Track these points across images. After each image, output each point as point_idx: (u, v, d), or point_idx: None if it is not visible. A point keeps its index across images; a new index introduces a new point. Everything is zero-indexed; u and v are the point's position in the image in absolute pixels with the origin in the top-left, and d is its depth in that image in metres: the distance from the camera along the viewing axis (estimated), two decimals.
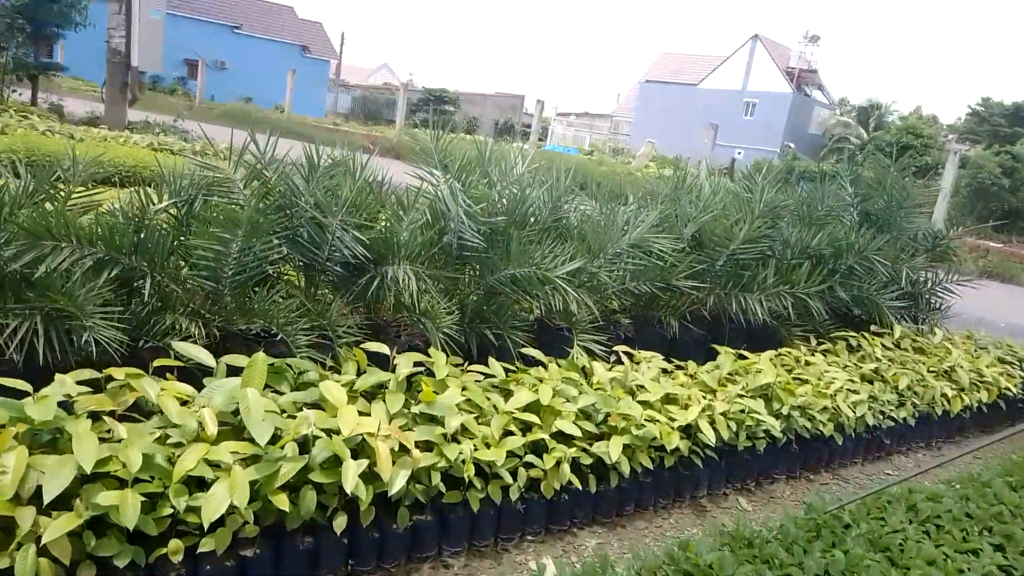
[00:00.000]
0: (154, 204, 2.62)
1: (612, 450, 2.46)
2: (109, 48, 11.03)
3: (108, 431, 1.88)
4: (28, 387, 1.85)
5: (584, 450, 2.48)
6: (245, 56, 41.96)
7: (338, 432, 2.04)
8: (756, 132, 38.88)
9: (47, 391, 1.85)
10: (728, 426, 2.79)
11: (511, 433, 2.38)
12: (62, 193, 2.62)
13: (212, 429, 1.88)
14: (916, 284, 4.57)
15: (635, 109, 46.78)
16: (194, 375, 2.29)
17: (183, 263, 2.68)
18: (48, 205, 2.57)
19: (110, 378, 2.06)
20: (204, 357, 2.28)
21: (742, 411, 2.90)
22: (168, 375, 2.24)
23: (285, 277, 3.00)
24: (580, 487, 2.44)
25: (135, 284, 2.57)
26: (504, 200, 3.28)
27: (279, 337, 2.61)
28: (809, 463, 3.27)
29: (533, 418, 2.45)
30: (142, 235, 2.53)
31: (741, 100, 40.59)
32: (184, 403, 2.09)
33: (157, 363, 2.19)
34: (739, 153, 35.04)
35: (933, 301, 4.73)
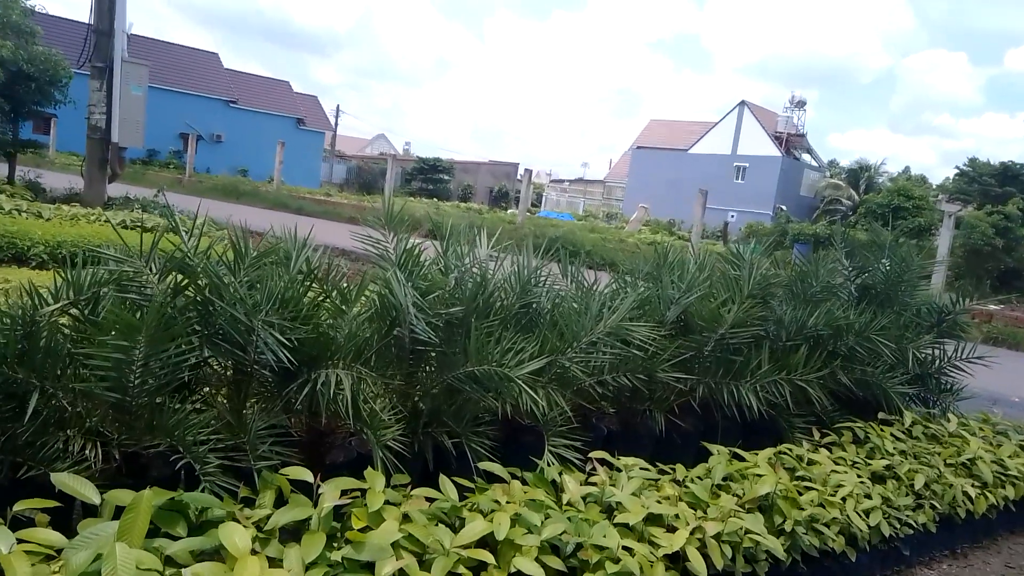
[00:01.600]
0: (48, 303, 2.27)
1: None
2: (89, 125, 10.93)
3: None
4: None
5: None
6: (241, 129, 42.65)
7: None
8: (748, 195, 39.18)
9: None
10: (723, 552, 2.38)
11: None
12: None
13: None
14: (924, 364, 4.20)
15: (628, 174, 47.33)
16: (93, 512, 1.91)
17: (83, 372, 2.31)
18: None
19: None
20: (88, 492, 1.88)
21: (739, 531, 2.49)
22: (39, 515, 1.85)
23: (208, 383, 2.63)
24: None
25: (24, 399, 2.20)
26: (464, 286, 2.94)
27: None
28: None
29: (487, 556, 2.04)
30: (31, 341, 2.18)
31: (731, 164, 41.08)
32: (50, 557, 1.70)
33: (19, 506, 1.80)
34: (732, 216, 35.17)
35: (943, 381, 4.35)
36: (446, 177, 49.84)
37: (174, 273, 2.47)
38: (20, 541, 1.70)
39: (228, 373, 2.62)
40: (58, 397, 2.22)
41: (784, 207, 35.94)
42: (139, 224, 8.37)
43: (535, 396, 2.50)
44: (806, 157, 43.75)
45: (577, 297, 3.32)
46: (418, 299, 2.58)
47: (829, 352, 3.71)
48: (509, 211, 33.81)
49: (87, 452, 2.21)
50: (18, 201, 8.79)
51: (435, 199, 40.67)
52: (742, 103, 41.43)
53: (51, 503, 1.86)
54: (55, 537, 1.75)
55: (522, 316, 3.17)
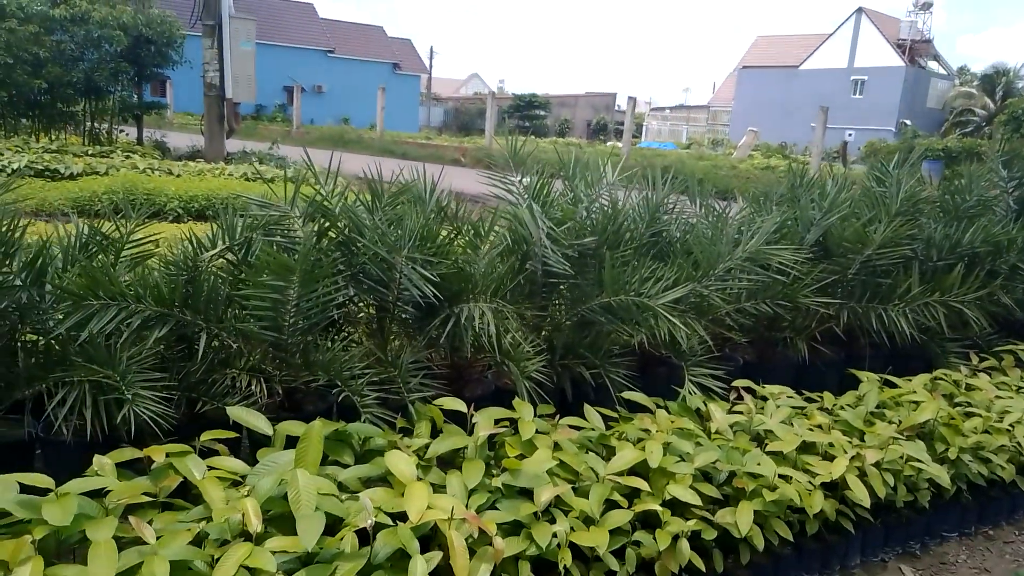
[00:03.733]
0: (206, 249, 2.39)
1: (741, 520, 2.01)
2: (204, 82, 11.35)
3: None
4: (49, 482, 1.62)
5: (706, 521, 2.04)
6: (340, 78, 43.33)
7: (405, 517, 1.70)
8: (867, 111, 36.49)
9: (70, 485, 1.61)
10: (884, 480, 2.28)
11: (615, 504, 1.98)
12: (114, 245, 2.43)
13: (256, 524, 1.58)
14: None
15: (734, 97, 45.02)
16: (263, 442, 2.04)
17: (242, 313, 2.44)
18: (100, 258, 2.39)
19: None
20: (261, 424, 2.00)
21: (900, 458, 2.37)
22: (220, 446, 1.99)
23: (355, 320, 2.72)
24: (703, 567, 2.00)
25: (192, 340, 2.35)
26: (593, 217, 2.88)
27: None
28: (986, 516, 2.68)
29: (640, 483, 2.03)
30: (195, 286, 2.31)
31: (848, 78, 38.22)
32: (237, 484, 1.82)
33: (205, 436, 1.93)
34: (850, 135, 32.97)
35: None
36: (543, 113, 49.09)
37: (317, 217, 2.54)
38: (210, 468, 1.83)
39: (370, 311, 2.70)
40: (221, 338, 2.36)
41: (909, 122, 33.30)
42: (259, 176, 8.71)
43: (678, 324, 2.43)
44: (933, 65, 40.11)
45: (708, 224, 3.20)
46: (552, 230, 2.54)
47: (987, 271, 3.43)
48: (609, 144, 33.04)
49: (252, 388, 2.35)
50: (149, 160, 9.35)
51: (532, 136, 40.19)
52: (859, 10, 38.22)
53: (231, 434, 1.99)
54: (239, 465, 1.88)
55: (651, 246, 3.08)
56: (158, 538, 1.56)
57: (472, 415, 2.12)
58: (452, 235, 2.73)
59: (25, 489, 1.61)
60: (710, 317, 2.99)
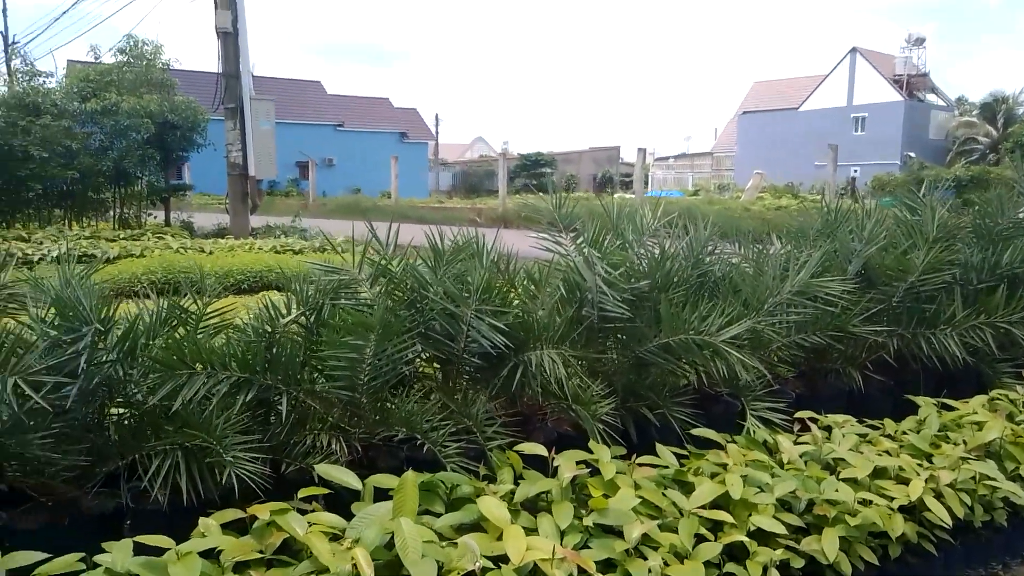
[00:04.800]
0: (283, 315, 2.49)
1: (827, 546, 2.04)
2: (228, 162, 11.74)
3: None
4: (170, 543, 1.69)
5: (791, 550, 2.07)
6: (349, 150, 44.42)
7: (506, 559, 1.75)
8: (869, 147, 36.86)
9: (189, 545, 1.68)
10: (960, 499, 2.30)
11: (701, 538, 2.01)
12: (192, 317, 2.54)
13: (368, 573, 1.64)
14: None
15: (736, 142, 45.67)
16: (340, 497, 2.09)
17: (316, 374, 2.53)
18: (181, 330, 2.50)
19: (255, 517, 1.88)
20: (349, 480, 2.07)
21: (972, 478, 2.39)
22: (314, 503, 2.05)
23: (420, 375, 2.81)
24: None
25: (272, 403, 2.43)
26: (642, 261, 2.98)
27: (422, 443, 2.39)
28: None
29: (724, 516, 2.07)
30: (274, 350, 2.41)
31: (848, 116, 38.75)
32: (335, 537, 1.88)
33: (302, 493, 2.00)
34: (855, 171, 33.24)
35: None
36: (548, 170, 49.96)
37: (382, 279, 2.65)
38: (309, 524, 1.89)
39: (434, 365, 2.78)
40: (299, 399, 2.44)
41: (913, 154, 33.60)
42: (288, 248, 8.92)
43: (742, 359, 2.50)
44: (931, 98, 40.68)
45: (750, 262, 3.29)
46: (611, 275, 2.63)
47: None
48: (616, 196, 33.41)
49: (332, 446, 2.42)
50: (181, 240, 9.61)
51: (539, 192, 40.78)
52: (853, 50, 39.04)
53: (323, 491, 2.05)
54: (336, 519, 1.94)
55: (699, 287, 3.17)
56: None
57: (552, 458, 2.18)
58: (507, 287, 2.83)
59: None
60: (763, 352, 3.05)
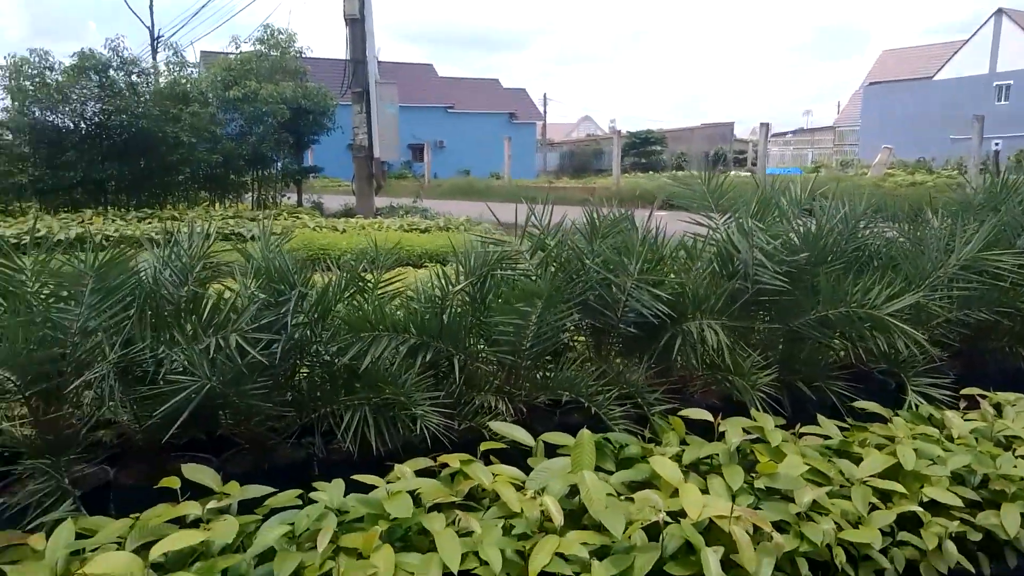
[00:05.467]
0: (452, 285, 2.66)
1: (1007, 522, 2.00)
2: (354, 145, 12.26)
3: (451, 523, 1.84)
4: (380, 482, 1.87)
5: (967, 523, 2.04)
6: (459, 132, 45.13)
7: (682, 515, 1.83)
8: (1015, 117, 33.88)
9: (399, 486, 1.86)
10: None
11: (873, 506, 2.02)
12: (369, 284, 2.76)
13: (559, 519, 1.77)
14: None
15: (861, 115, 43.11)
16: (508, 455, 2.24)
17: (481, 340, 2.69)
18: (359, 297, 2.72)
19: (443, 465, 2.05)
20: (522, 436, 2.21)
21: None
22: (492, 457, 2.20)
23: (572, 344, 2.92)
24: (972, 569, 2.00)
25: (442, 366, 2.61)
26: (796, 235, 2.96)
27: (574, 406, 2.51)
28: None
29: (896, 486, 2.07)
30: (446, 317, 2.58)
31: (990, 85, 35.73)
32: (517, 488, 2.02)
33: (484, 446, 2.15)
34: (997, 144, 30.73)
35: None
36: (658, 148, 48.97)
37: (542, 251, 2.77)
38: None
39: (589, 335, 2.88)
40: (467, 362, 2.61)
41: None
42: (414, 227, 9.27)
43: (910, 332, 2.46)
44: None
45: (908, 235, 3.19)
46: (774, 246, 2.64)
47: None
48: (731, 173, 32.39)
49: (498, 406, 2.57)
50: (316, 219, 10.18)
51: (650, 172, 40.13)
52: (999, 11, 35.91)
53: (501, 445, 2.20)
54: (516, 471, 2.08)
55: (853, 261, 3.11)
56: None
57: (718, 424, 2.24)
58: (657, 260, 2.89)
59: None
60: (921, 329, 2.96)
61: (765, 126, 14.64)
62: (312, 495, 1.90)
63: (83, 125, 11.25)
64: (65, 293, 2.23)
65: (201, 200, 12.62)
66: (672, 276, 2.79)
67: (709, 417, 2.25)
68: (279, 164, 12.90)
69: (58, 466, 1.97)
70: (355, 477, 1.92)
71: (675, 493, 1.92)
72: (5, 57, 11.24)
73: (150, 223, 9.49)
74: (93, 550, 1.69)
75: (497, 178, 27.06)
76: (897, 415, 2.51)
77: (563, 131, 76.09)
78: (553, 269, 2.74)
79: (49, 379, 2.15)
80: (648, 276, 2.48)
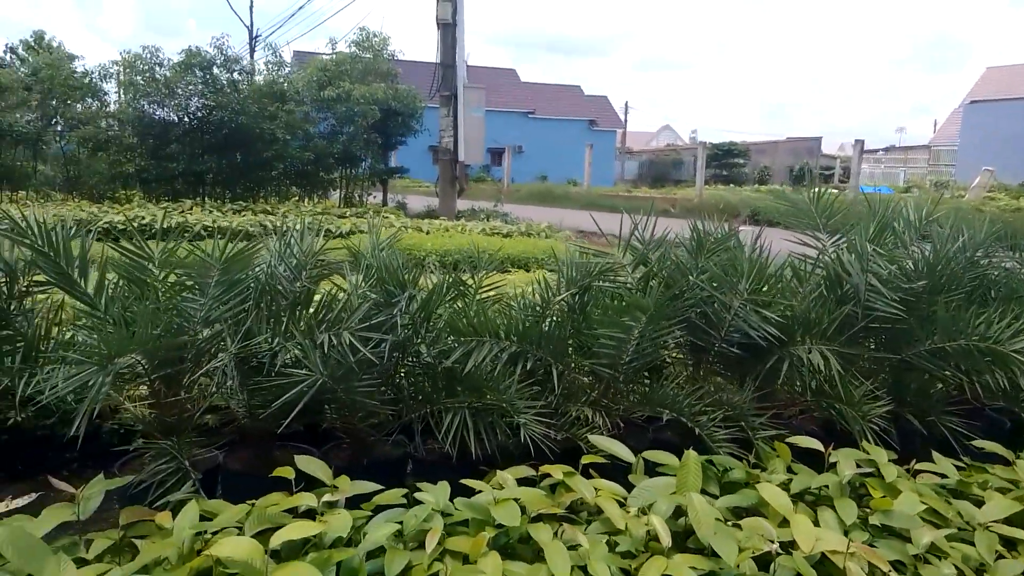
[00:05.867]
0: (553, 294, 2.66)
1: None
2: (440, 147, 12.46)
3: (555, 535, 1.83)
4: (484, 486, 1.89)
5: None
6: (538, 138, 45.18)
7: (792, 546, 1.78)
8: None
9: (505, 493, 1.87)
10: None
11: (999, 555, 1.91)
12: (470, 289, 2.78)
13: (666, 540, 1.74)
14: None
15: (960, 135, 41.07)
16: (604, 469, 2.22)
17: (578, 352, 2.68)
18: (459, 302, 2.75)
19: (543, 475, 2.05)
20: (622, 452, 2.19)
21: None
22: (591, 471, 2.19)
23: (669, 362, 2.88)
24: None
25: (539, 375, 2.61)
26: (912, 261, 2.83)
27: (666, 424, 2.46)
28: None
29: (1020, 533, 1.95)
30: (546, 326, 2.58)
31: None
32: (619, 504, 2.00)
33: (586, 459, 2.14)
34: None
35: None
36: (741, 161, 47.91)
37: (645, 265, 2.74)
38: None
39: (687, 353, 2.84)
40: (564, 373, 2.60)
41: None
42: (496, 232, 9.33)
43: None
44: None
45: None
46: (889, 271, 2.54)
47: None
48: (815, 190, 31.37)
49: (595, 419, 2.56)
50: (401, 219, 10.39)
51: (731, 184, 39.29)
52: None
53: (599, 459, 2.19)
54: (617, 487, 2.05)
55: (972, 291, 2.96)
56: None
57: (829, 454, 2.16)
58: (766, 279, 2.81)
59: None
60: None
61: (859, 143, 14.12)
62: (416, 495, 1.93)
63: (186, 119, 11.82)
64: (190, 283, 2.34)
65: (291, 195, 13.07)
66: (778, 297, 2.72)
67: (818, 446, 2.17)
68: (367, 163, 13.24)
69: (180, 448, 2.06)
70: (448, 480, 1.94)
71: (783, 523, 1.87)
72: (121, 53, 11.94)
73: (244, 215, 9.87)
74: (214, 532, 1.76)
75: (574, 184, 26.98)
76: (1021, 458, 2.37)
77: (642, 140, 75.35)
78: (655, 283, 2.71)
79: (172, 364, 2.26)
80: (758, 296, 2.42)
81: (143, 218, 8.63)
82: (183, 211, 9.99)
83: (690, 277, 2.60)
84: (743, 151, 47.99)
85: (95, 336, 2.04)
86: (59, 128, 12.25)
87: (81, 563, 1.64)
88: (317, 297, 2.46)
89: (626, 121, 56.39)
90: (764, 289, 2.49)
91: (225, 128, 11.51)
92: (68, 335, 2.37)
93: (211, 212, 10.22)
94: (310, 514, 1.83)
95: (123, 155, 11.66)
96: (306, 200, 12.96)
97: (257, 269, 2.46)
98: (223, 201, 11.74)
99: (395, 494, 1.95)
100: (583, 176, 25.40)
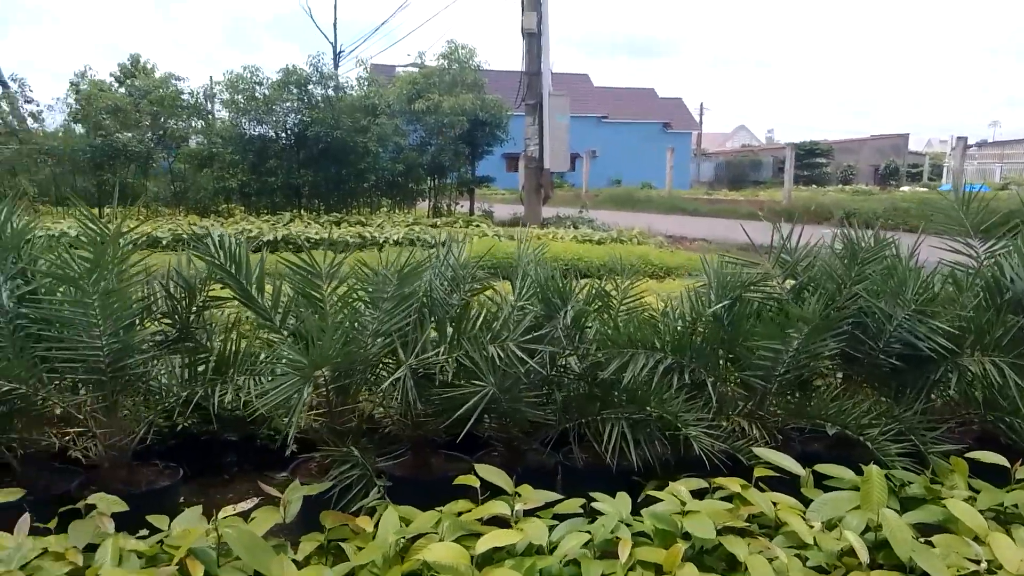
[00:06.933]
0: (704, 306, 2.67)
1: None
2: (525, 155, 12.56)
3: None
4: (668, 496, 1.90)
5: None
6: (611, 142, 44.84)
7: (994, 565, 1.73)
8: None
9: (693, 505, 1.89)
10: None
11: None
12: (614, 300, 2.81)
13: (864, 556, 1.72)
14: None
15: None
16: (767, 482, 2.20)
17: (730, 362, 2.67)
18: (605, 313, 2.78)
19: (711, 488, 2.06)
20: (789, 464, 2.17)
21: None
22: (761, 484, 2.18)
23: (821, 372, 2.83)
24: None
25: (687, 386, 2.62)
26: None
27: (813, 435, 2.43)
28: None
29: None
30: (699, 338, 2.59)
31: None
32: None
33: (758, 472, 2.14)
34: None
35: None
36: (823, 160, 46.40)
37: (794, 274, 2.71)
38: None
39: (840, 364, 2.78)
40: (718, 385, 2.59)
41: None
42: (588, 239, 9.35)
43: None
44: None
45: None
46: None
47: None
48: (904, 189, 30.22)
49: (753, 431, 2.54)
50: (493, 228, 10.53)
51: (813, 185, 38.10)
52: None
53: (771, 473, 2.17)
54: (793, 500, 2.04)
55: None
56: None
57: (1016, 470, 2.09)
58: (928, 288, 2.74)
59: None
60: None
61: (962, 140, 13.52)
62: (594, 505, 1.97)
63: (284, 135, 12.33)
64: (360, 295, 2.46)
65: (381, 206, 13.43)
66: (940, 307, 2.64)
67: (1003, 461, 2.11)
68: (455, 173, 13.49)
69: (367, 456, 2.17)
70: (600, 490, 1.97)
71: (977, 540, 1.82)
72: (224, 74, 12.57)
73: (340, 227, 10.21)
74: (411, 538, 1.84)
75: (649, 188, 26.71)
76: None
77: (717, 141, 73.96)
78: (807, 294, 2.68)
79: (348, 376, 2.37)
80: (927, 307, 2.36)
81: (250, 231, 9.04)
82: (285, 224, 10.40)
83: (843, 288, 2.56)
84: (826, 150, 46.48)
85: (285, 349, 2.16)
86: (166, 146, 12.95)
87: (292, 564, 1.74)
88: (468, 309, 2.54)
89: (701, 122, 55.47)
90: (928, 298, 2.43)
91: (320, 143, 11.95)
92: (251, 348, 2.51)
93: (309, 224, 10.61)
94: (496, 522, 1.89)
95: (226, 171, 12.25)
96: (396, 210, 13.31)
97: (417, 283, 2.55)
98: (318, 213, 12.19)
99: (573, 504, 1.99)
100: (657, 179, 25.10)
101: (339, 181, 12.29)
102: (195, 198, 12.58)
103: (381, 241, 8.85)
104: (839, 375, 2.82)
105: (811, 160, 45.24)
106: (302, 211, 12.19)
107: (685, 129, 49.23)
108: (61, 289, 2.34)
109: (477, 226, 10.78)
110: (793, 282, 2.76)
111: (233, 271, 2.47)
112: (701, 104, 71.16)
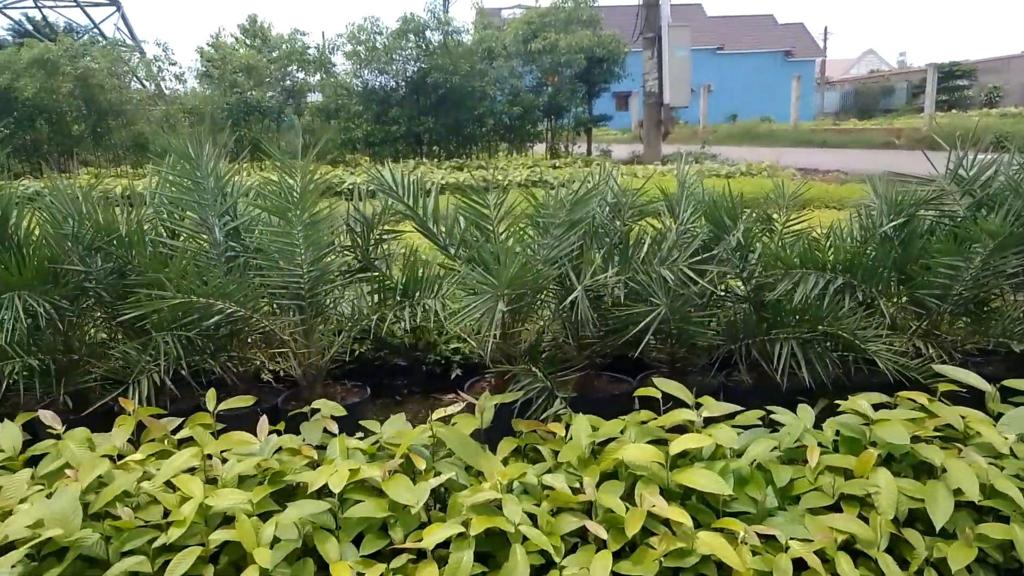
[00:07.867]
0: (875, 225, 2.62)
1: None
2: (644, 91, 12.28)
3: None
4: (869, 410, 1.93)
5: None
6: (727, 74, 42.79)
7: None
8: None
9: (884, 414, 1.91)
10: None
11: None
12: (776, 224, 2.81)
13: None
14: None
15: None
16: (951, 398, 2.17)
17: (899, 283, 2.62)
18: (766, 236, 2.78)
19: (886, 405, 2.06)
20: (975, 380, 2.13)
21: None
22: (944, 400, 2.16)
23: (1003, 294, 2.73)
24: None
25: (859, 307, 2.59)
26: None
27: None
28: None
29: None
30: (869, 258, 2.55)
31: None
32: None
33: (942, 387, 2.12)
34: None
35: None
36: (964, 83, 42.40)
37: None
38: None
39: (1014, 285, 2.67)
40: (887, 306, 2.55)
41: None
42: (715, 173, 9.12)
43: None
44: None
45: None
46: None
47: None
48: None
49: (928, 350, 2.50)
50: (614, 166, 10.44)
51: (953, 110, 35.02)
52: None
53: (955, 387, 2.15)
54: (979, 414, 2.01)
55: None
56: None
57: None
58: None
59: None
60: None
61: None
62: (773, 417, 2.03)
63: (404, 84, 12.60)
64: (524, 227, 2.58)
65: (498, 150, 13.57)
66: None
67: None
68: (571, 113, 13.39)
69: (547, 374, 2.31)
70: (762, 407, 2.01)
71: None
72: (346, 26, 12.91)
73: (463, 172, 10.42)
74: (600, 442, 1.97)
75: (769, 121, 25.39)
76: None
77: (841, 68, 69.00)
78: (984, 211, 2.57)
79: (519, 300, 2.51)
80: None
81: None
82: (411, 171, 10.71)
83: None
84: (968, 71, 42.36)
85: (474, 273, 2.31)
86: (296, 100, 13.54)
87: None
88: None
89: (825, 48, 51.85)
90: None
91: (439, 89, 12.14)
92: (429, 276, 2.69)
93: (432, 171, 10.89)
94: (678, 431, 1.98)
95: (351, 121, 12.70)
96: (513, 154, 13.40)
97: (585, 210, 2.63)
98: (439, 160, 12.47)
99: (752, 415, 2.06)
100: (776, 112, 23.77)
101: (458, 127, 12.48)
102: (323, 149, 13.05)
103: (505, 184, 8.98)
104: (1020, 295, 2.70)
105: (950, 83, 41.44)
106: (424, 158, 12.51)
107: (808, 57, 46.17)
108: (261, 224, 2.61)
109: (598, 166, 10.71)
110: (971, 200, 2.65)
111: (412, 205, 2.66)
112: (825, 28, 66.34)
